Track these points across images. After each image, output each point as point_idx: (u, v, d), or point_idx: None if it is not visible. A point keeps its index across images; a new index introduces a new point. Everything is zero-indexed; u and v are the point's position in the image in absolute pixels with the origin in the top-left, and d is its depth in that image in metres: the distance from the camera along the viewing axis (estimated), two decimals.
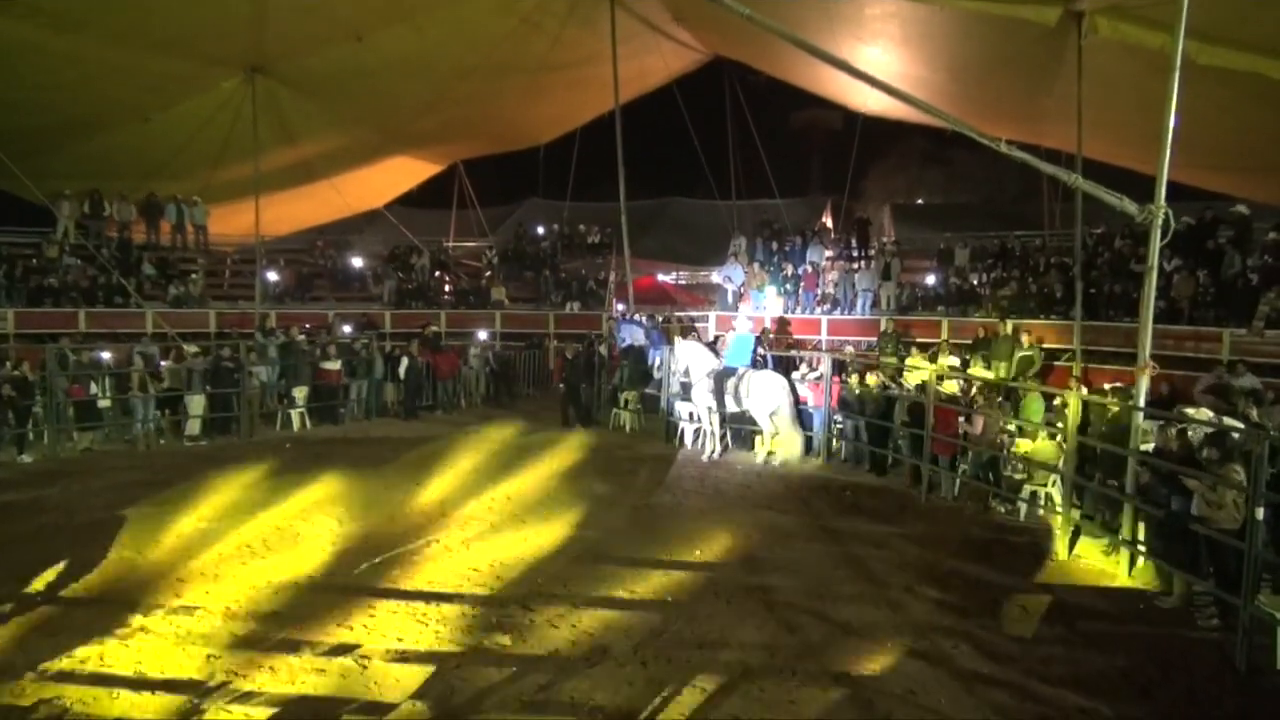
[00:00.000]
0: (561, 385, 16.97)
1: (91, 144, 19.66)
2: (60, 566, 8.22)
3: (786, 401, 13.02)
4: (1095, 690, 6.03)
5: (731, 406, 13.41)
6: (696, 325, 19.34)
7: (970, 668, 6.37)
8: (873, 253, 23.10)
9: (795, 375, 14.27)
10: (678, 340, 15.07)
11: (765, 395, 13.05)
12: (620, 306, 20.17)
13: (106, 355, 15.68)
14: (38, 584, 7.79)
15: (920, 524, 10.13)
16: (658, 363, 15.28)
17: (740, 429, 14.20)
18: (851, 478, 12.44)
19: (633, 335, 16.48)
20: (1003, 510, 10.66)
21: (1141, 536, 8.53)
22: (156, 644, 6.62)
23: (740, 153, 25.71)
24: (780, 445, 13.20)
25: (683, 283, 26.61)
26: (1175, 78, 8.36)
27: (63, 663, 6.27)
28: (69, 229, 21.08)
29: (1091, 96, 13.59)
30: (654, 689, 5.98)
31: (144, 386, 14.39)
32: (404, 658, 6.42)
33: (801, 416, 13.67)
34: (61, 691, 5.85)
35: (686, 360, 14.08)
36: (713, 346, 15.21)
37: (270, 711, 5.65)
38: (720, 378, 13.49)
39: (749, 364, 14.00)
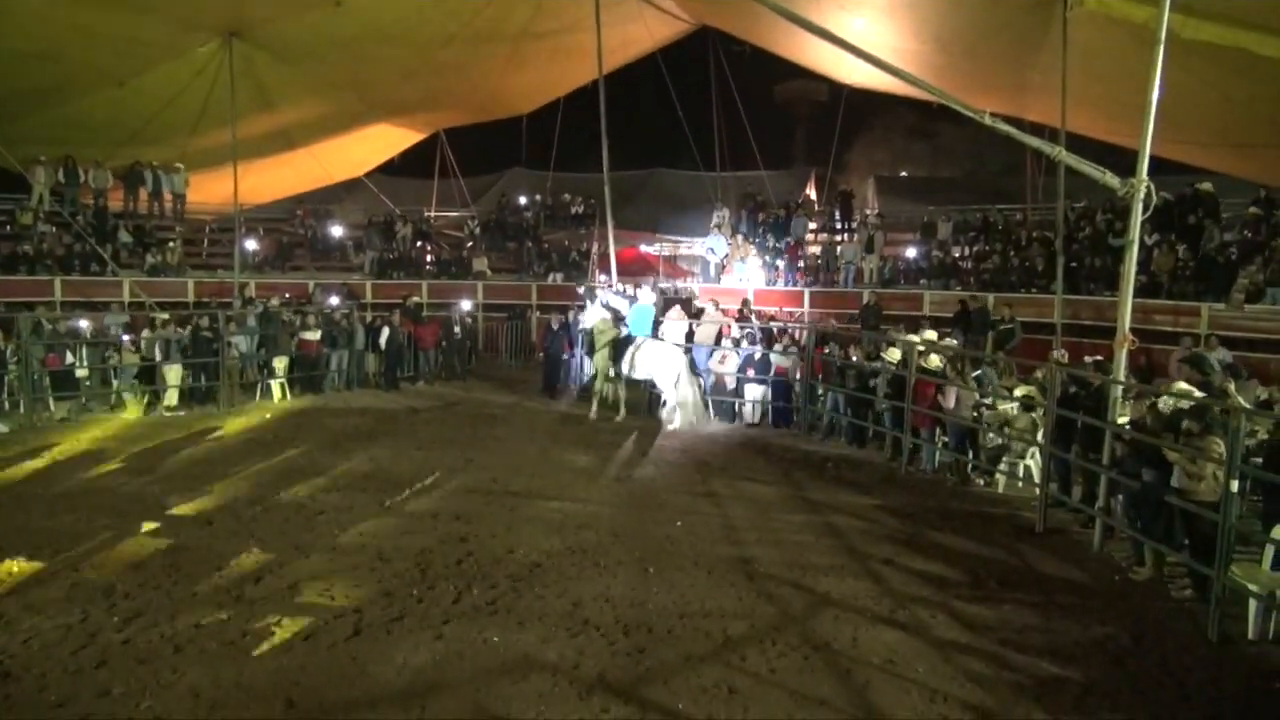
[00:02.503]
0: (542, 355, 17.02)
1: (65, 109, 19.29)
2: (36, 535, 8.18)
3: (684, 368, 13.69)
4: (1069, 659, 6.12)
5: (626, 372, 14.15)
6: (683, 298, 19.31)
7: (948, 637, 6.44)
8: (856, 225, 23.13)
9: (776, 348, 14.35)
10: (588, 304, 15.63)
11: (663, 363, 13.78)
12: (603, 278, 20.11)
13: (84, 324, 15.49)
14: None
15: (900, 496, 10.21)
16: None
17: (720, 401, 14.30)
18: (833, 450, 12.51)
19: (594, 312, 16.41)
20: (981, 482, 10.77)
21: (1117, 508, 8.65)
22: None
23: (725, 124, 25.60)
24: (681, 410, 13.72)
25: (666, 254, 26.52)
26: (1160, 51, 8.35)
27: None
28: (43, 196, 20.73)
29: (1076, 70, 13.58)
30: (635, 657, 6.02)
31: (120, 355, 14.25)
32: (400, 619, 6.44)
33: (779, 388, 13.86)
34: None
35: (592, 322, 14.86)
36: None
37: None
38: (620, 345, 14.25)
39: (648, 334, 14.71)
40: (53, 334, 14.67)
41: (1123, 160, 9.68)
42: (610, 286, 16.68)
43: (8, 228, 20.20)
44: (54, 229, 20.18)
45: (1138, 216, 8.72)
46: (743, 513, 9.42)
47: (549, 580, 7.35)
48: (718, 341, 15.14)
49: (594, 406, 14.45)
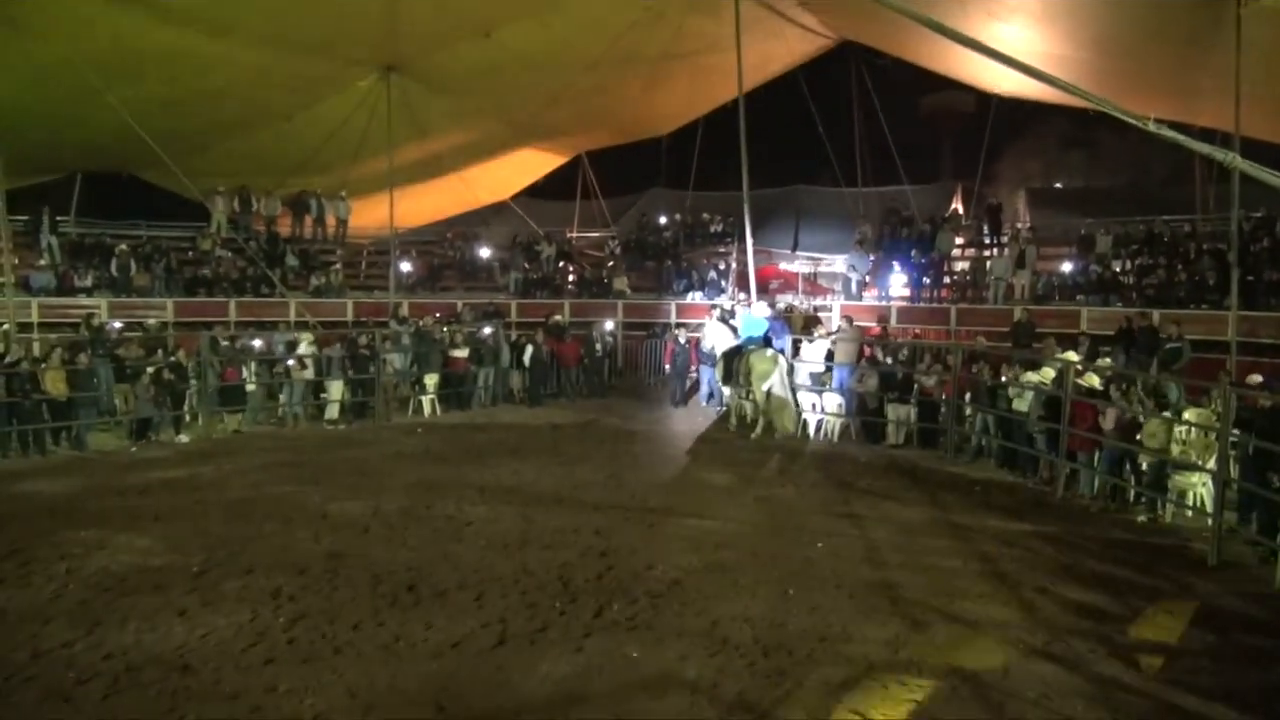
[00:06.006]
0: (668, 369, 17.89)
1: (241, 143, 20.86)
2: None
3: (778, 376, 13.82)
4: (1245, 705, 5.65)
5: (740, 380, 14.51)
6: (820, 315, 19.05)
7: (1108, 674, 6.08)
8: (1006, 239, 22.26)
9: (920, 368, 13.96)
10: (707, 319, 16.25)
11: (757, 371, 13.97)
12: (741, 295, 20.05)
13: (257, 342, 16.66)
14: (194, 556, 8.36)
15: (1056, 522, 9.72)
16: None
17: (864, 421, 14.02)
18: (981, 472, 12.04)
19: (718, 335, 16.23)
20: (1147, 510, 10.10)
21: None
22: None
23: (867, 139, 25.14)
24: (773, 415, 13.99)
25: (806, 271, 26.19)
26: None
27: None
28: (221, 224, 22.42)
29: (1251, 70, 12.67)
30: (775, 679, 5.94)
31: (289, 373, 15.24)
32: (543, 631, 6.59)
33: (926, 408, 13.48)
34: None
35: (713, 339, 15.90)
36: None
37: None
38: (730, 356, 14.90)
39: (755, 342, 14.98)
40: (227, 351, 15.83)
41: None
42: (749, 304, 16.65)
43: (190, 253, 21.91)
44: (230, 254, 21.77)
45: None
46: (886, 536, 9.18)
47: (688, 598, 7.36)
48: (858, 360, 14.86)
49: (719, 403, 15.84)
